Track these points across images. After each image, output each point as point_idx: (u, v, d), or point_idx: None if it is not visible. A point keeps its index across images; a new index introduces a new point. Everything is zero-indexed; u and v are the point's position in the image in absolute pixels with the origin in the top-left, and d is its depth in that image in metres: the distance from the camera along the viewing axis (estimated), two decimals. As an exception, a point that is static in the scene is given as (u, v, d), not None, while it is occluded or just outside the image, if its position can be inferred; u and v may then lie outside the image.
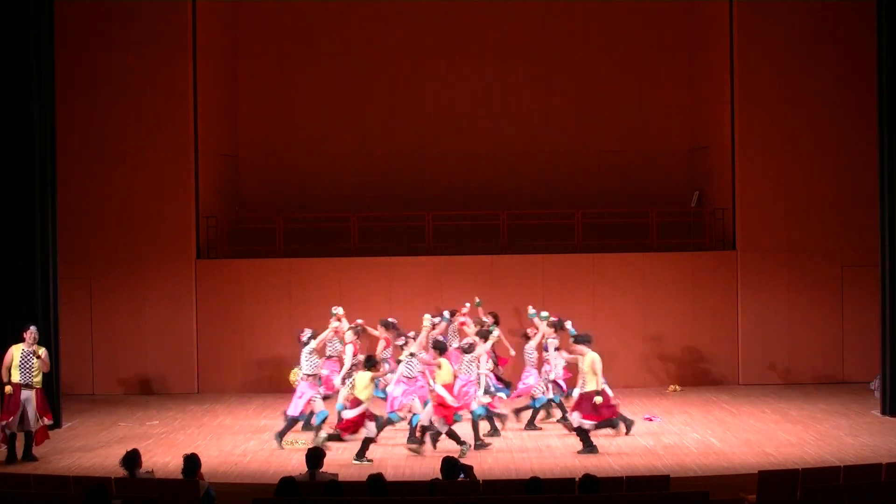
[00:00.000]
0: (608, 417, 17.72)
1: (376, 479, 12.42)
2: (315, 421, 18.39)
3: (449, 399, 17.37)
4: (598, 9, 26.49)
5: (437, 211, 25.03)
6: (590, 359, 17.58)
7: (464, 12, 26.52)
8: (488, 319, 20.68)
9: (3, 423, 17.40)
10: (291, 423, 18.33)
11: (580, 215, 24.73)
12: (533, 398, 19.37)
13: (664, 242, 24.58)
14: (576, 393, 18.11)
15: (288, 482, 12.45)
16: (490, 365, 19.55)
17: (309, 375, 18.40)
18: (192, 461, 13.33)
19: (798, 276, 23.99)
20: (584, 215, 24.78)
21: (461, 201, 25.89)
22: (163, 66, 23.74)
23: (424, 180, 26.24)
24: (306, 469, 13.53)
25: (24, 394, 17.45)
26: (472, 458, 16.76)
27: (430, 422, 17.51)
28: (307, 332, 18.67)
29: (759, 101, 24.09)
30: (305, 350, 18.46)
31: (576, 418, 17.55)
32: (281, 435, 18.20)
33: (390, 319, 20.25)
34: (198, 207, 24.00)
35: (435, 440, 17.65)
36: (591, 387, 17.50)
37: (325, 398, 19.25)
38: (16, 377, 17.47)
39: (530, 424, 19.30)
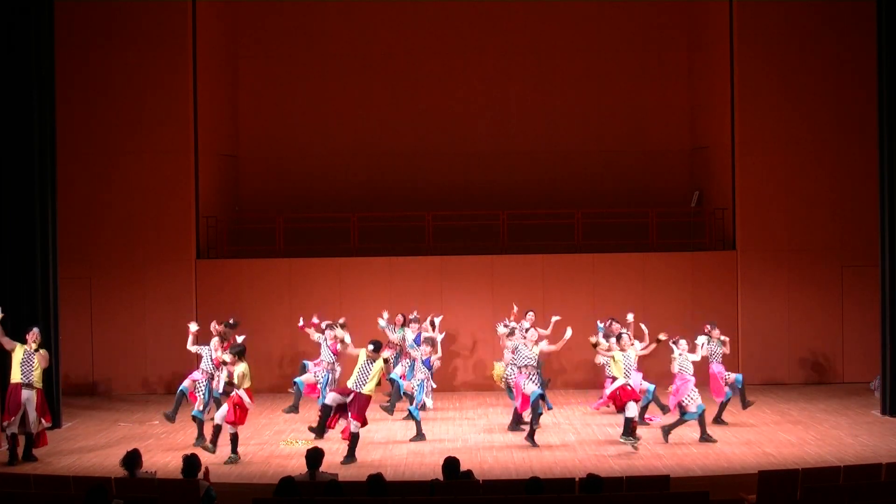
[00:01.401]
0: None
1: (376, 479, 12.42)
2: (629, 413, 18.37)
3: (247, 401, 17.35)
4: (598, 9, 26.49)
5: (437, 211, 25.04)
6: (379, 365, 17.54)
7: (464, 12, 26.52)
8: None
9: (5, 423, 17.42)
10: (535, 416, 18.37)
11: (580, 215, 24.74)
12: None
13: (664, 242, 24.59)
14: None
15: (287, 482, 12.45)
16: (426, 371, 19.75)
17: (523, 367, 18.43)
18: (191, 462, 13.33)
19: (798, 276, 24.00)
20: (584, 215, 24.79)
21: (461, 201, 25.89)
22: (163, 65, 23.74)
23: (424, 180, 26.24)
24: (306, 469, 13.54)
25: (25, 393, 17.47)
26: (473, 459, 16.79)
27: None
28: (511, 325, 19.22)
29: (759, 101, 24.10)
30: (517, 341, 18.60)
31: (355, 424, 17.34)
32: (531, 435, 18.22)
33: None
34: (198, 207, 24.00)
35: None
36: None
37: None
38: (17, 376, 17.50)
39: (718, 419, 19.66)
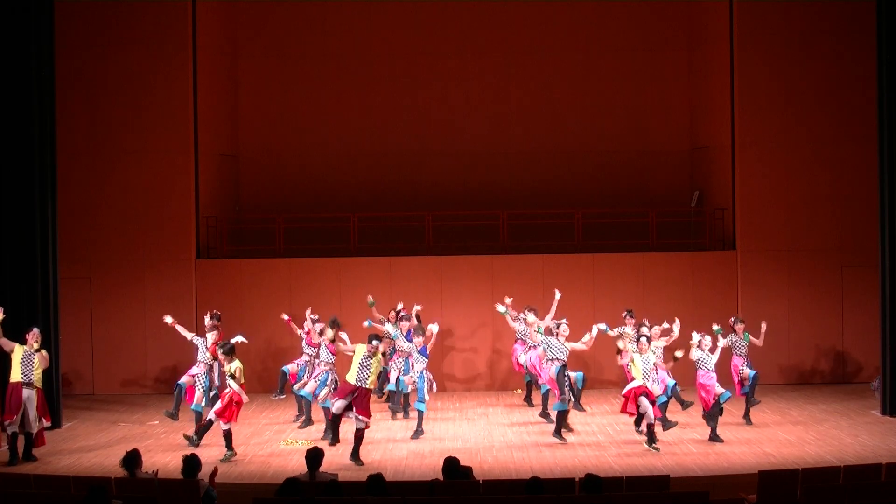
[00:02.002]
0: None
1: (376, 479, 12.42)
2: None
3: (244, 397, 17.50)
4: (598, 8, 26.47)
5: (437, 211, 25.04)
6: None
7: (464, 12, 26.50)
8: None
9: (7, 422, 17.43)
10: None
11: (580, 215, 24.73)
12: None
13: (664, 242, 24.59)
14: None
15: (292, 483, 12.45)
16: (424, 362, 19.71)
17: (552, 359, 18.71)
18: (191, 462, 13.33)
19: (798, 275, 24.00)
20: (584, 215, 24.79)
21: (461, 201, 25.89)
22: (163, 66, 23.73)
23: (424, 180, 26.24)
24: (306, 469, 13.54)
25: (25, 392, 17.48)
26: (473, 459, 16.79)
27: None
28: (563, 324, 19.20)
29: (759, 101, 24.10)
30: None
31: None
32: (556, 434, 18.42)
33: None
34: (198, 207, 24.00)
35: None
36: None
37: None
38: (17, 375, 17.51)
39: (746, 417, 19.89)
